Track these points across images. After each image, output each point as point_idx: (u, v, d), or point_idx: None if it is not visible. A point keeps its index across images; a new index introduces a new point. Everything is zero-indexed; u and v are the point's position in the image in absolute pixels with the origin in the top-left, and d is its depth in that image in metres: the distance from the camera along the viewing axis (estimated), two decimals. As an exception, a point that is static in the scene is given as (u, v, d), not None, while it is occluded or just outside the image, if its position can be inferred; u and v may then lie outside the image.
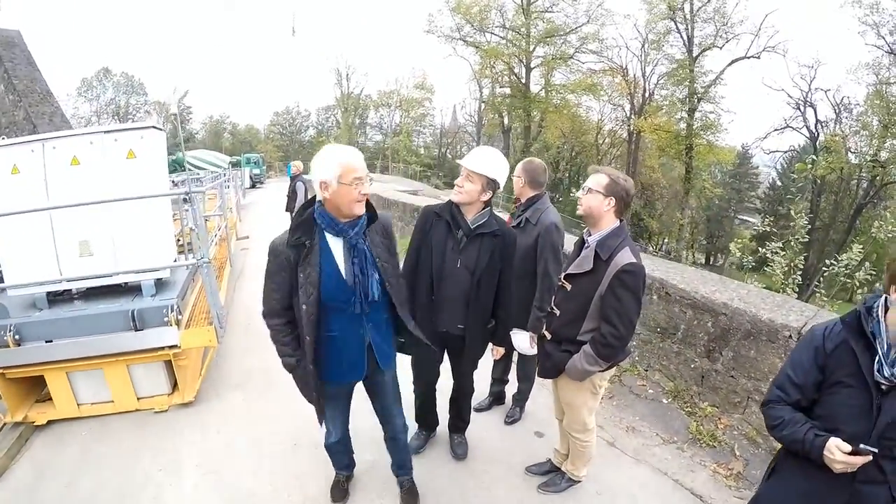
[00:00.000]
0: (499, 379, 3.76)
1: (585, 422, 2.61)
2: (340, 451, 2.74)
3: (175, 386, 3.94)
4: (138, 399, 3.81)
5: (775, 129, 25.99)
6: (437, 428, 3.36)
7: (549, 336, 2.52)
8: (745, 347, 3.26)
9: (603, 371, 2.38)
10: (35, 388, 3.85)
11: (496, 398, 3.82)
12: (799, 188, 20.06)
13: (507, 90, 34.13)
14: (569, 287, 2.37)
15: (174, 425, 3.65)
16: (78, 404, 3.75)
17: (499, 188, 2.54)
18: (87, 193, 3.55)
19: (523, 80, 32.48)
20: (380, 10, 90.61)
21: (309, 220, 2.06)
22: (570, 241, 3.26)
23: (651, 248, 32.63)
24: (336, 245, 2.10)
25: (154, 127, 3.89)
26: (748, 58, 25.07)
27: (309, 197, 2.34)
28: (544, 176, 3.13)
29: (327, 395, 2.36)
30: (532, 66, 32.04)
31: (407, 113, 49.52)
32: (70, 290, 4.02)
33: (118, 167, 3.68)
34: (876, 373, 1.48)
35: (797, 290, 5.66)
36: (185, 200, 3.64)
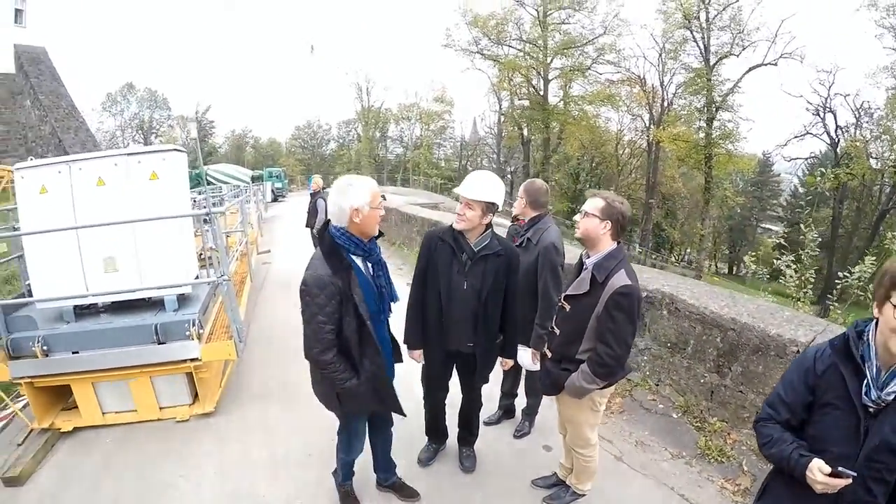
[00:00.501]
0: (508, 392, 3.81)
1: (587, 437, 2.65)
2: (352, 465, 2.90)
3: (196, 397, 4.09)
4: (160, 409, 3.97)
5: (795, 136, 25.61)
6: (447, 441, 3.44)
7: (549, 354, 2.59)
8: (754, 363, 3.26)
9: (602, 389, 2.43)
10: (62, 396, 4.02)
11: (506, 412, 3.87)
12: (809, 200, 19.72)
13: (526, 102, 34.16)
14: (568, 308, 2.44)
15: (194, 434, 3.79)
16: (103, 413, 3.92)
17: (498, 209, 2.63)
18: (112, 213, 3.71)
19: (541, 92, 32.54)
20: (397, 25, 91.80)
21: (336, 246, 2.24)
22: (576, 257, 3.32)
23: (673, 259, 32.19)
24: (359, 263, 2.31)
25: (175, 149, 4.05)
26: (765, 65, 24.80)
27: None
28: (546, 197, 3.23)
29: (361, 412, 2.56)
30: (550, 77, 32.09)
31: (427, 126, 49.91)
32: (96, 304, 4.18)
33: (142, 188, 3.84)
34: (864, 396, 1.49)
35: (812, 302, 5.59)
36: (204, 221, 3.78)
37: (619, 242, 2.36)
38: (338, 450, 2.80)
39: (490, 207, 2.59)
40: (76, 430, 3.87)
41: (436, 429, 3.34)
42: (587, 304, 2.32)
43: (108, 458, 3.54)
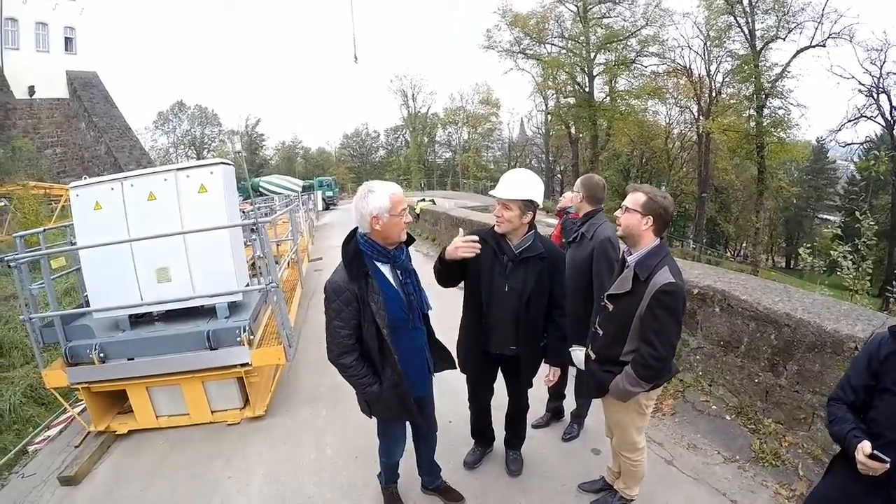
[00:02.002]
0: (556, 394, 3.72)
1: (634, 441, 2.56)
2: (395, 471, 2.91)
3: (247, 401, 4.21)
4: (212, 412, 4.12)
5: (849, 120, 23.91)
6: (493, 444, 3.39)
7: (593, 356, 2.53)
8: (810, 361, 3.07)
9: (648, 391, 2.35)
10: (117, 401, 4.23)
11: (554, 414, 3.79)
12: (864, 186, 18.40)
13: (572, 100, 33.63)
14: (611, 307, 2.37)
15: (244, 437, 3.90)
16: (156, 416, 4.10)
17: (538, 206, 2.54)
18: (164, 225, 3.87)
19: (587, 89, 31.95)
20: (438, 30, 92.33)
21: (358, 252, 2.23)
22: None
23: (728, 254, 30.91)
24: (385, 270, 2.30)
25: (223, 162, 4.19)
26: (813, 47, 23.41)
27: None
28: (603, 192, 3.16)
29: (389, 417, 2.53)
30: (594, 73, 31.48)
31: (474, 129, 50.08)
32: (151, 313, 4.35)
33: (191, 200, 3.99)
34: None
35: (872, 294, 5.26)
36: (252, 231, 3.89)
37: (661, 238, 2.26)
38: (379, 453, 2.81)
39: (528, 206, 2.49)
40: (131, 432, 4.06)
41: (482, 431, 3.30)
42: (630, 303, 2.24)
43: (161, 459, 3.70)
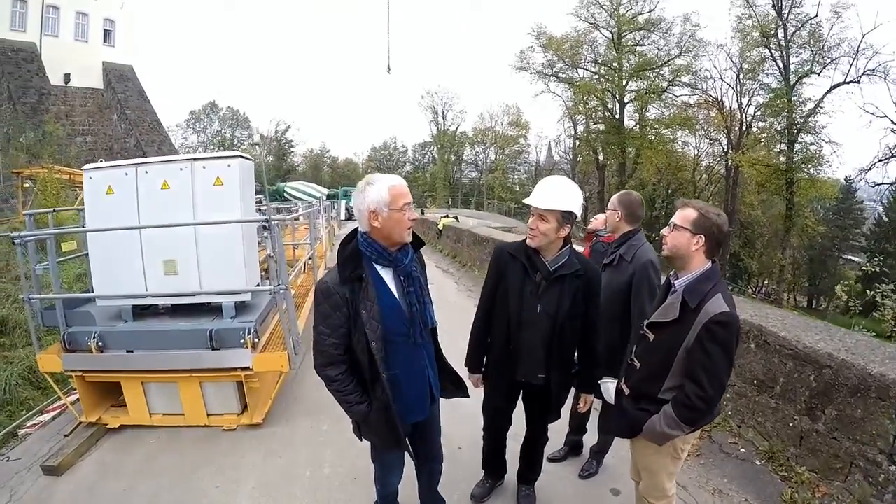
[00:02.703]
0: (577, 428, 3.46)
1: (664, 488, 2.27)
2: (391, 499, 2.64)
3: (245, 406, 4.02)
4: (208, 415, 3.94)
5: (880, 160, 23.27)
6: (505, 476, 3.13)
7: (627, 391, 2.23)
8: (851, 406, 2.79)
9: (686, 434, 2.07)
10: (112, 393, 4.08)
11: (573, 448, 3.52)
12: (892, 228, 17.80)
13: (601, 126, 33.31)
14: (651, 337, 2.09)
15: (239, 445, 3.71)
16: (150, 413, 3.94)
17: (576, 219, 2.31)
18: (176, 216, 3.75)
19: (617, 116, 31.62)
20: (472, 47, 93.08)
21: (356, 253, 1.98)
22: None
23: (750, 291, 30.20)
24: (386, 276, 2.04)
25: (241, 156, 4.06)
26: (847, 83, 22.86)
27: None
28: (641, 210, 2.91)
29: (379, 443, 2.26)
30: (625, 101, 31.27)
31: (502, 150, 50.02)
32: (156, 306, 4.23)
33: (206, 192, 3.84)
34: None
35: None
36: (264, 227, 3.75)
37: (714, 262, 2.01)
38: (374, 480, 2.53)
39: (566, 217, 2.25)
40: (122, 427, 3.92)
41: (494, 462, 3.03)
42: (675, 333, 1.97)
43: (149, 459, 3.55)
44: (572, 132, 37.81)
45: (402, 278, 2.05)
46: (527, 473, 2.98)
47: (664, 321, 2.02)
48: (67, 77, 25.61)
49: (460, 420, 3.37)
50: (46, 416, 4.33)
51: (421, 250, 2.19)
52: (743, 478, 3.24)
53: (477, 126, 51.93)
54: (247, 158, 4.14)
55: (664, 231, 2.07)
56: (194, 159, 3.95)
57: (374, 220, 1.92)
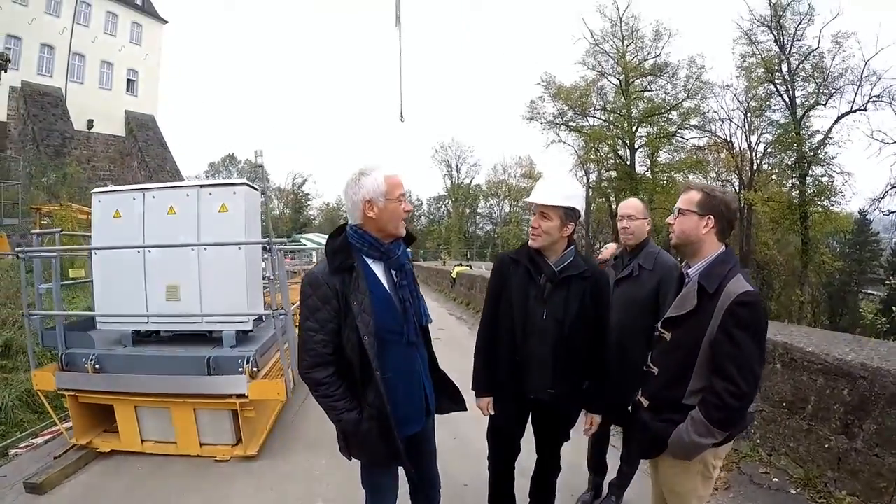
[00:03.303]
0: (597, 467, 3.15)
1: None
2: None
3: (240, 438, 3.85)
4: (201, 445, 3.78)
5: (892, 186, 23.04)
6: None
7: (645, 403, 1.98)
8: (892, 417, 2.57)
9: (718, 446, 1.82)
10: (105, 419, 3.97)
11: (597, 492, 3.20)
12: None
13: (614, 173, 33.23)
14: (668, 336, 1.89)
15: (229, 476, 3.54)
16: (142, 440, 3.82)
17: (580, 217, 2.20)
18: (181, 241, 3.79)
19: (628, 162, 31.63)
20: (484, 96, 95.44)
21: (346, 244, 1.86)
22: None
23: (770, 333, 29.30)
24: (377, 270, 1.91)
25: (247, 184, 4.08)
26: (854, 111, 22.80)
27: None
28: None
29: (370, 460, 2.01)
30: (636, 146, 31.48)
31: (516, 202, 50.26)
32: (158, 333, 4.22)
33: (211, 218, 3.88)
34: None
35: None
36: (265, 249, 3.70)
37: (727, 245, 1.86)
38: None
39: (570, 215, 2.14)
40: (113, 453, 3.80)
41: (501, 498, 2.72)
42: (695, 326, 1.78)
43: (135, 485, 3.43)
44: (585, 181, 38.01)
45: (393, 272, 1.93)
46: None
47: (681, 314, 1.83)
48: (91, 123, 26.56)
49: (467, 456, 3.19)
50: (40, 440, 4.25)
51: (423, 266, 2.08)
52: (777, 510, 2.97)
53: (490, 179, 52.66)
54: (253, 188, 4.17)
55: (669, 219, 1.91)
56: (201, 186, 4.02)
57: (369, 210, 1.82)
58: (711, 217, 1.80)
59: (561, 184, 2.18)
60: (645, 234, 2.75)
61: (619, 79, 30.40)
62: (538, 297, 2.21)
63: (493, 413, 2.40)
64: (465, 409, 2.25)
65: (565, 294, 2.19)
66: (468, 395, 2.33)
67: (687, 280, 1.89)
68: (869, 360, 2.79)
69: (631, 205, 2.79)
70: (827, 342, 3.18)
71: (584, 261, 2.24)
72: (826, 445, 2.97)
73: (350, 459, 2.00)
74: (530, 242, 2.23)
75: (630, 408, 2.16)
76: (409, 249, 2.06)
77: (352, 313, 1.78)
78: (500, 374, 2.31)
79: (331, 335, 1.81)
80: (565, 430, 2.39)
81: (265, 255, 3.84)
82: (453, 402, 2.20)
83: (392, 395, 1.84)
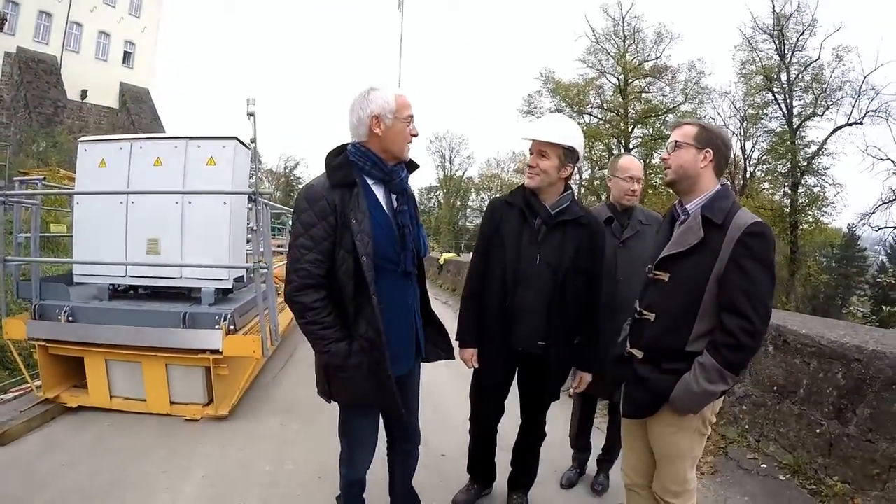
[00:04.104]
0: (583, 440, 3.04)
1: (687, 478, 1.83)
2: (358, 494, 2.19)
3: (212, 398, 3.75)
4: (171, 403, 3.67)
5: (883, 202, 23.21)
6: (494, 483, 2.73)
7: (639, 354, 1.81)
8: (887, 401, 2.49)
9: (723, 395, 1.72)
10: (76, 374, 3.85)
11: (582, 469, 3.11)
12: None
13: (607, 171, 33.70)
14: (666, 277, 1.74)
15: (198, 435, 3.45)
16: (111, 396, 3.70)
17: (578, 159, 2.10)
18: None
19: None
20: (481, 88, 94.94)
21: (347, 161, 1.73)
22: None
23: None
24: (378, 192, 1.79)
25: (237, 139, 3.97)
26: (850, 124, 22.93)
27: None
28: None
29: (361, 407, 1.88)
30: (631, 146, 31.55)
31: None
32: (136, 288, 4.15)
33: (198, 171, 3.80)
34: None
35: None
36: (250, 199, 3.58)
37: (723, 184, 1.77)
38: (339, 463, 2.09)
39: (570, 156, 2.05)
40: (80, 408, 3.69)
41: (481, 464, 2.63)
42: (701, 263, 1.65)
43: (99, 441, 3.32)
44: (578, 179, 37.94)
45: (394, 196, 1.82)
46: (520, 477, 2.58)
47: (682, 251, 1.69)
48: (84, 93, 26.14)
49: (447, 427, 3.10)
50: (8, 396, 4.12)
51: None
52: (766, 495, 2.88)
53: (483, 172, 52.17)
54: (243, 144, 4.07)
55: (663, 154, 1.80)
56: (190, 138, 3.93)
57: (376, 126, 1.70)
58: (710, 150, 1.70)
59: (561, 122, 2.09)
60: (636, 191, 2.65)
61: (618, 78, 30.37)
62: (532, 241, 2.12)
63: (476, 366, 2.29)
64: (453, 358, 2.13)
65: (560, 238, 2.10)
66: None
67: (682, 217, 1.77)
68: (864, 343, 2.72)
69: (638, 166, 2.65)
70: (821, 326, 3.12)
71: (581, 208, 2.15)
72: (817, 431, 2.89)
73: (329, 401, 1.87)
74: (527, 182, 2.13)
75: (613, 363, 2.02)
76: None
77: (350, 232, 1.65)
78: (487, 325, 2.20)
79: (325, 255, 1.67)
80: (554, 390, 2.27)
81: (249, 206, 3.72)
82: (442, 349, 2.07)
83: (384, 328, 1.71)
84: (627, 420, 1.94)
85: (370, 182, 1.77)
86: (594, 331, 2.20)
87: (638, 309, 1.85)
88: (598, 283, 2.18)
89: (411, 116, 1.76)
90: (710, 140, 1.71)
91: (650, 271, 1.82)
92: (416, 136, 1.79)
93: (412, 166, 1.88)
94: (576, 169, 2.15)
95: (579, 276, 2.10)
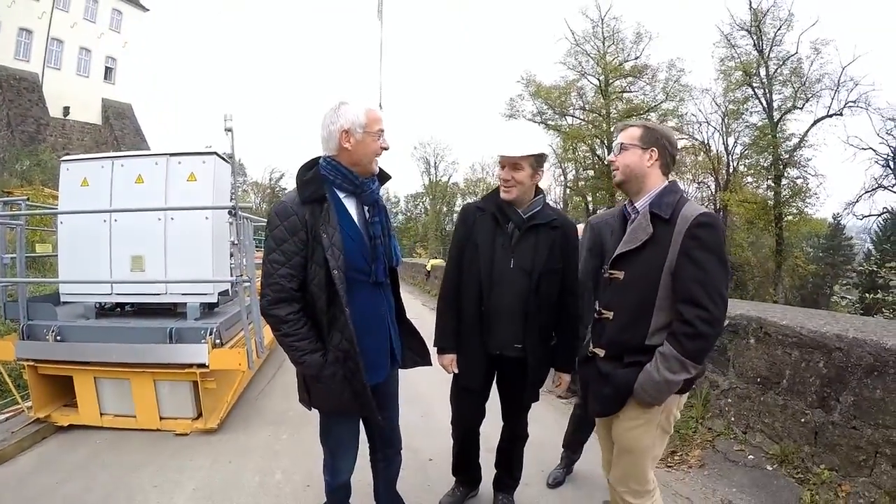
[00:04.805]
0: (576, 443, 3.06)
1: (648, 478, 1.84)
2: (343, 499, 2.20)
3: (201, 412, 3.76)
4: (161, 419, 3.68)
5: (866, 191, 23.45)
6: (480, 485, 2.75)
7: (601, 352, 1.83)
8: (869, 387, 2.53)
9: (685, 389, 1.73)
10: (66, 393, 3.85)
11: (570, 469, 3.13)
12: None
13: (591, 172, 33.37)
14: (621, 275, 1.77)
15: (187, 448, 3.46)
16: (101, 413, 3.70)
17: (545, 160, 2.16)
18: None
19: (605, 161, 32.16)
20: (462, 96, 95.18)
21: (318, 176, 1.77)
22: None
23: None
24: (349, 205, 1.83)
25: (217, 154, 4.02)
26: (830, 116, 23.25)
27: None
28: None
29: (340, 414, 1.91)
30: (613, 146, 31.92)
31: None
32: (123, 306, 4.18)
33: (179, 187, 3.83)
34: None
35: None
36: (230, 213, 3.59)
37: (671, 181, 1.80)
38: (323, 470, 2.11)
39: (539, 161, 2.09)
40: (72, 427, 3.70)
41: (466, 466, 2.64)
42: (652, 258, 1.68)
43: (91, 458, 3.33)
44: (562, 180, 38.11)
45: (366, 207, 1.85)
46: (505, 479, 2.60)
47: (633, 248, 1.73)
48: (66, 110, 25.96)
49: (434, 432, 3.12)
50: (0, 417, 4.07)
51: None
52: (754, 485, 2.92)
53: (469, 178, 52.14)
54: (223, 158, 4.11)
55: (610, 157, 1.85)
56: (170, 154, 3.97)
57: (345, 140, 1.74)
58: (655, 150, 1.74)
59: (527, 132, 2.14)
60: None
61: (598, 79, 30.54)
62: (506, 246, 2.15)
63: (456, 371, 2.32)
64: (430, 364, 2.16)
65: (534, 242, 2.13)
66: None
67: (633, 216, 1.80)
68: (844, 331, 2.75)
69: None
70: (801, 316, 3.16)
71: (553, 211, 2.19)
72: (802, 420, 2.93)
73: (310, 409, 1.91)
74: (504, 195, 2.15)
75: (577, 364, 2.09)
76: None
77: (321, 246, 1.69)
78: (464, 330, 2.23)
79: (297, 269, 1.72)
80: (533, 391, 2.30)
81: (230, 220, 3.74)
82: (419, 355, 2.10)
83: (357, 338, 1.75)
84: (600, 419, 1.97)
85: (341, 195, 1.81)
86: (571, 331, 2.23)
87: (597, 308, 1.88)
88: (573, 285, 2.21)
89: (381, 130, 1.79)
90: (655, 140, 1.74)
91: (605, 271, 1.85)
92: (386, 149, 1.82)
93: (384, 177, 1.92)
94: (556, 170, 2.20)
95: (553, 278, 2.14)
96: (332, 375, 1.74)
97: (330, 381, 1.75)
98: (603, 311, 1.82)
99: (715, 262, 1.60)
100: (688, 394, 1.82)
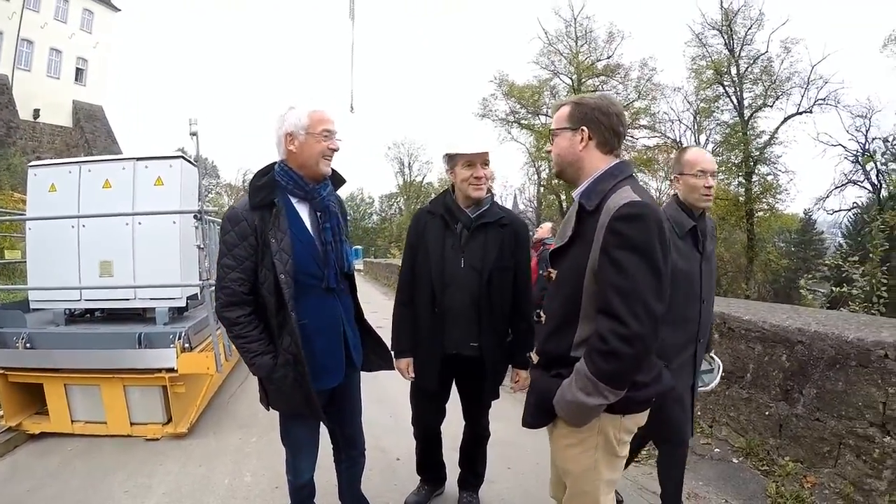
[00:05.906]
0: None
1: (597, 502, 1.52)
2: (308, 499, 2.17)
3: (171, 417, 3.72)
4: (131, 424, 3.64)
5: (836, 187, 24.17)
6: (445, 483, 2.78)
7: (535, 358, 1.63)
8: (831, 380, 2.61)
9: (616, 413, 1.43)
10: (37, 401, 3.81)
11: None
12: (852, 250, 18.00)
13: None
14: (555, 275, 1.56)
15: (158, 453, 3.44)
16: (72, 420, 3.66)
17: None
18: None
19: None
20: (435, 94, 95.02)
21: (271, 182, 1.79)
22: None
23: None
24: (302, 211, 1.85)
25: (183, 157, 4.02)
26: (800, 113, 23.81)
27: None
28: None
29: (296, 415, 1.93)
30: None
31: None
32: (92, 311, 4.15)
33: (147, 192, 3.81)
34: None
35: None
36: (195, 218, 3.56)
37: (618, 159, 1.52)
38: (286, 469, 2.12)
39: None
40: (43, 435, 3.67)
41: (429, 465, 2.67)
42: (578, 257, 1.43)
43: (63, 465, 3.31)
44: (536, 179, 38.29)
45: (318, 213, 1.86)
46: (468, 477, 2.63)
47: (563, 244, 1.50)
48: (37, 112, 25.26)
49: (402, 432, 3.08)
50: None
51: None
52: (720, 478, 3.00)
53: (443, 177, 52.17)
54: (190, 162, 4.11)
55: (547, 146, 1.65)
56: (137, 159, 3.96)
57: (289, 143, 1.77)
58: (584, 129, 1.47)
59: (481, 131, 2.21)
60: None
61: (571, 78, 30.74)
62: (455, 246, 2.20)
63: (413, 376, 2.34)
64: (392, 368, 2.21)
65: (482, 241, 2.18)
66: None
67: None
68: (806, 325, 2.84)
69: (709, 158, 2.22)
70: (764, 311, 3.25)
71: (500, 209, 2.24)
72: (766, 413, 3.02)
73: (268, 409, 1.93)
74: (476, 194, 2.17)
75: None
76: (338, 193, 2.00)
77: (269, 251, 1.73)
78: (420, 332, 2.26)
79: (247, 273, 1.76)
80: (493, 389, 2.32)
81: (195, 224, 3.71)
82: (380, 358, 2.14)
83: (309, 343, 1.79)
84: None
85: (294, 200, 1.83)
86: (526, 328, 2.27)
87: (538, 311, 1.76)
88: (525, 281, 2.26)
89: (328, 131, 1.79)
90: (584, 116, 1.48)
91: (546, 271, 1.66)
92: (335, 150, 1.83)
93: (339, 181, 1.94)
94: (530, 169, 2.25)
95: (505, 276, 2.18)
96: (283, 377, 1.78)
97: (281, 383, 1.79)
98: (540, 314, 1.65)
99: (639, 265, 1.30)
100: (641, 417, 1.53)
